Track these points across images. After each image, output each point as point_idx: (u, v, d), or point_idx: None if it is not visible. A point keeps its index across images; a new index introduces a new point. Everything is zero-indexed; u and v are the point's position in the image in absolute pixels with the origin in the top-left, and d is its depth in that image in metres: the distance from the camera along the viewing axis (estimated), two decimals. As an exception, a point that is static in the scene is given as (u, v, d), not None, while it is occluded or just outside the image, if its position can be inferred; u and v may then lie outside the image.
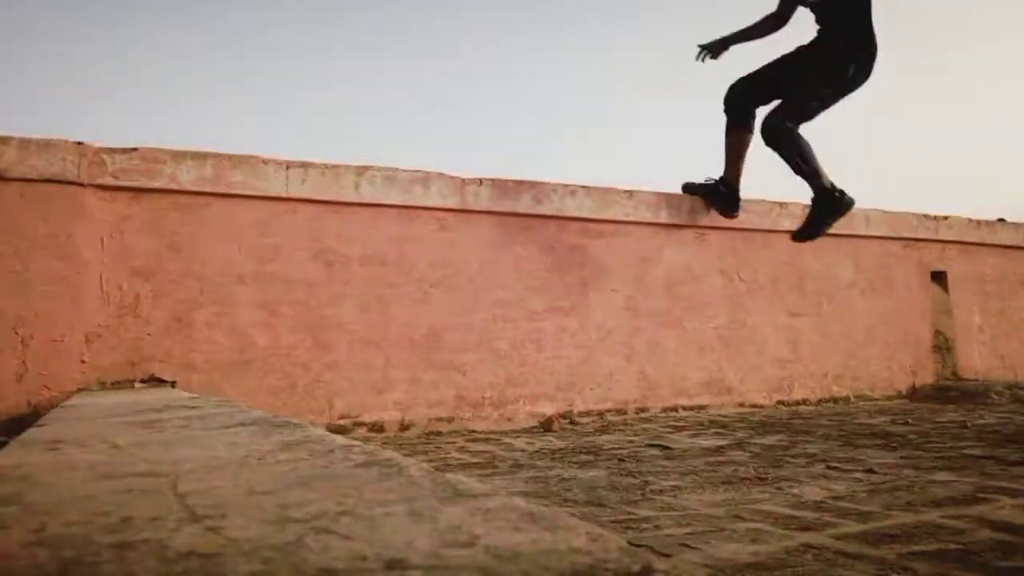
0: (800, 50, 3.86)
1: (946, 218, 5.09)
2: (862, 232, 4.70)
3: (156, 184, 3.06)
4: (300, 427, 0.94)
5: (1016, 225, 5.42)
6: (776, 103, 3.81)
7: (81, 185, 2.93)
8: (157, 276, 3.04)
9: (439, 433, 3.34)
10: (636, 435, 3.10)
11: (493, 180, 3.70)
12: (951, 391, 4.47)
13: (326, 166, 3.36)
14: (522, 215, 3.76)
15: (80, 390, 2.81)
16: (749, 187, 4.16)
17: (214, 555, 0.35)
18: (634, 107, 14.72)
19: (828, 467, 2.16)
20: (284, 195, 3.26)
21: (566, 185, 3.86)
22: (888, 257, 4.82)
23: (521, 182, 3.76)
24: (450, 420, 3.45)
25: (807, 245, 4.48)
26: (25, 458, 0.76)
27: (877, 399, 4.60)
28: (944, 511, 1.53)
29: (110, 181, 2.99)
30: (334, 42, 13.36)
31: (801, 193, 4.03)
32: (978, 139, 14.53)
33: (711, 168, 5.02)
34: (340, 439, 0.80)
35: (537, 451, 2.69)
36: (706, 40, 4.00)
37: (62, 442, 0.89)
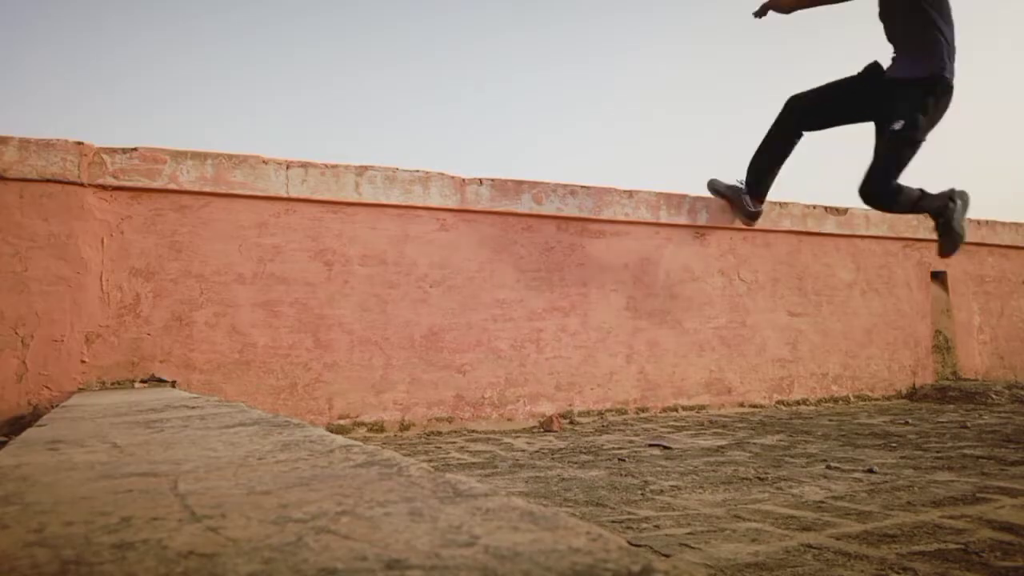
0: (872, 79, 3.64)
1: (946, 218, 5.09)
2: (862, 232, 4.70)
3: (156, 184, 3.06)
4: (300, 427, 0.94)
5: (1016, 225, 5.42)
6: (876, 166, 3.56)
7: (81, 185, 2.94)
8: (157, 276, 3.04)
9: (439, 433, 3.34)
10: (636, 435, 3.10)
11: (493, 180, 3.70)
12: (951, 391, 4.47)
13: (326, 166, 3.36)
14: (522, 215, 3.76)
15: (80, 390, 2.81)
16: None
17: (214, 555, 0.35)
18: (634, 107, 14.73)
19: (828, 467, 2.16)
20: (284, 195, 3.26)
21: (566, 185, 3.86)
22: (888, 257, 4.82)
23: (521, 182, 3.76)
24: (450, 420, 3.45)
25: (807, 245, 4.49)
26: (25, 458, 0.76)
27: (877, 399, 4.60)
28: (944, 511, 1.53)
29: (110, 181, 2.99)
30: (334, 42, 13.37)
31: (800, 193, 4.03)
32: (978, 139, 14.54)
33: (708, 168, 5.02)
34: (340, 439, 0.80)
35: (537, 451, 2.69)
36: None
37: (62, 442, 0.89)
